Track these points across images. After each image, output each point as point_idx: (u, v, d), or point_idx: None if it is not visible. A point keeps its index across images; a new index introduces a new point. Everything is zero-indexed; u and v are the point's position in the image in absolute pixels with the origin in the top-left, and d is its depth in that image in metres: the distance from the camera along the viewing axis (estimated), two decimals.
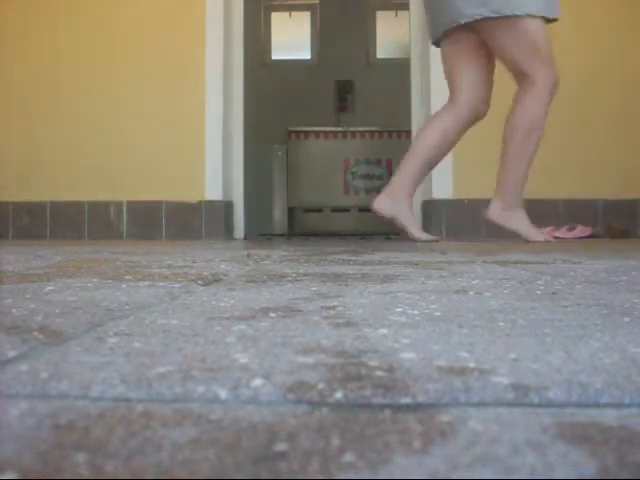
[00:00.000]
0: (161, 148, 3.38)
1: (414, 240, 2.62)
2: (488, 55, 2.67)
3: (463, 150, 3.28)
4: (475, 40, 2.64)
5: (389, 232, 4.34)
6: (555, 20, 2.60)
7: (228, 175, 3.46)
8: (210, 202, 3.34)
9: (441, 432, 0.26)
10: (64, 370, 0.35)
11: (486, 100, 2.71)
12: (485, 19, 2.52)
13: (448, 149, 2.71)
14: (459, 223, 3.30)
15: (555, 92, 2.61)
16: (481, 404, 0.30)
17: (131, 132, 3.39)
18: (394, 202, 2.65)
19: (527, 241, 2.55)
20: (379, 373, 0.34)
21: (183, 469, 0.22)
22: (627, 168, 3.31)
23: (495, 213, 2.62)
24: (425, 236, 2.68)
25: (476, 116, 2.70)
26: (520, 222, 2.60)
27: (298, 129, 5.54)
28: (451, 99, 2.71)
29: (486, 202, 3.30)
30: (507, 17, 2.50)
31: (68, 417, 0.28)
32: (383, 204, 2.66)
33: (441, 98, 3.37)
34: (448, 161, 3.29)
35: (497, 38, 2.58)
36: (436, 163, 2.74)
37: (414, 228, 2.67)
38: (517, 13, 2.48)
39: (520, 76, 2.62)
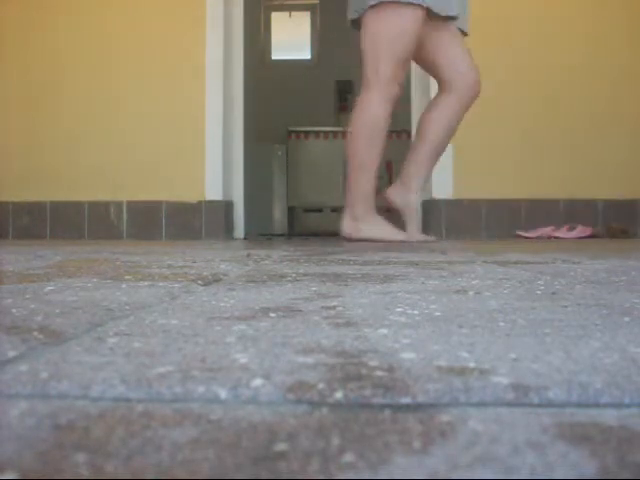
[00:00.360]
0: (161, 148, 3.38)
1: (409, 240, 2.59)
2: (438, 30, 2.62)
3: (463, 150, 3.29)
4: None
5: None
6: (453, 18, 2.55)
7: (228, 175, 3.46)
8: (210, 202, 3.34)
9: (441, 432, 0.26)
10: (64, 370, 0.35)
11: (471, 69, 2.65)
12: (381, 3, 2.48)
13: (454, 132, 2.68)
14: (459, 223, 3.30)
15: (396, 98, 2.56)
16: (481, 404, 0.30)
17: (131, 132, 3.39)
18: (405, 195, 2.62)
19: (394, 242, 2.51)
20: (379, 373, 0.34)
21: (183, 469, 0.22)
22: (627, 168, 3.31)
23: (349, 229, 2.56)
24: (422, 236, 2.66)
25: (474, 92, 2.65)
26: (378, 229, 2.54)
27: (298, 129, 5.54)
28: (441, 85, 2.67)
29: (486, 202, 3.31)
30: (396, 2, 2.45)
31: (68, 417, 0.28)
32: (394, 195, 2.63)
33: None
34: (448, 161, 3.29)
35: (377, 22, 2.53)
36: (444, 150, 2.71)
37: (413, 230, 2.65)
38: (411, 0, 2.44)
39: (368, 72, 2.58)
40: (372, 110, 2.52)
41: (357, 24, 2.67)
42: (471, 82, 2.60)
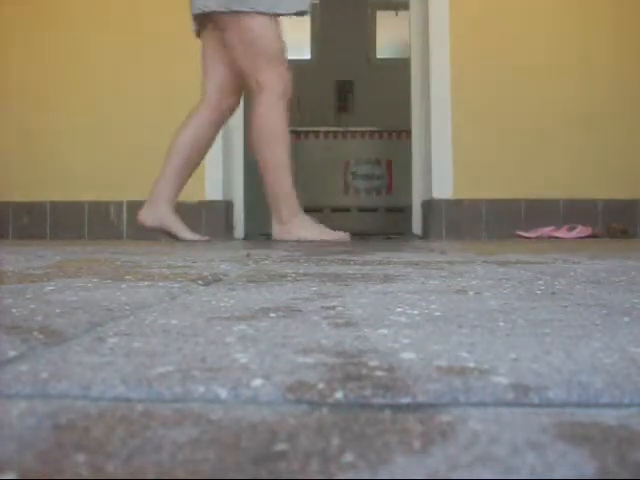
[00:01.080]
0: (162, 148, 3.38)
1: (185, 240, 2.61)
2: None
3: (463, 150, 3.29)
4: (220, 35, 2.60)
5: (389, 232, 4.34)
6: (303, 14, 2.58)
7: (228, 175, 3.46)
8: (210, 202, 3.34)
9: (441, 432, 0.26)
10: (64, 370, 0.35)
11: (234, 93, 2.66)
12: (218, 13, 2.48)
13: (206, 147, 2.68)
14: (459, 223, 3.30)
15: (286, 96, 2.54)
16: (481, 404, 0.30)
17: (132, 132, 3.39)
18: (156, 211, 2.63)
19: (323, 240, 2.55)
20: (379, 373, 0.34)
21: (183, 469, 0.22)
22: (627, 168, 3.31)
23: (279, 233, 2.59)
24: (196, 236, 2.67)
25: (227, 111, 2.67)
26: (307, 229, 2.56)
27: (298, 129, 5.54)
28: (203, 94, 2.68)
29: (486, 202, 3.31)
30: (236, 12, 2.46)
31: (68, 417, 0.28)
32: (145, 216, 2.64)
33: (441, 98, 3.38)
34: (448, 161, 3.29)
35: (228, 33, 2.53)
36: (197, 164, 2.70)
37: (183, 231, 2.66)
38: (243, 9, 2.44)
39: (249, 80, 2.55)
40: (264, 112, 2.52)
41: (202, 20, 2.63)
42: (227, 106, 2.66)
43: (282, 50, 2.56)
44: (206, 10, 2.49)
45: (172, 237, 2.68)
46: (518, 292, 0.73)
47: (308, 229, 2.57)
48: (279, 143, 2.53)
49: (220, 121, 2.69)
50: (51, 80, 3.43)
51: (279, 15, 2.54)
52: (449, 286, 0.79)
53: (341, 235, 2.64)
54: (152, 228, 2.66)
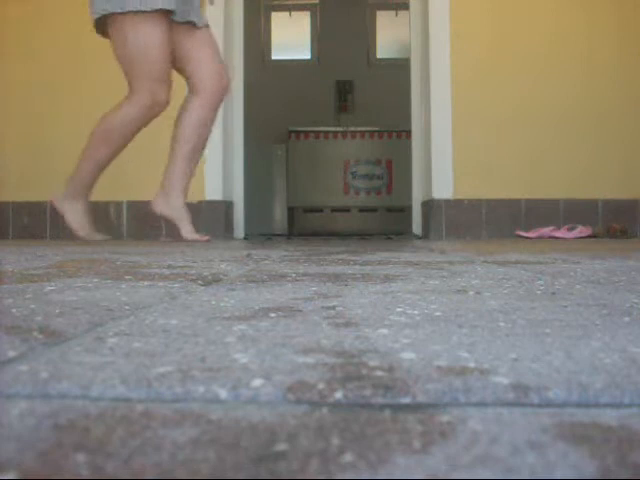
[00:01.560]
0: (161, 148, 3.38)
1: (185, 239, 2.63)
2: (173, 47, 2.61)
3: (463, 150, 3.29)
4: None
5: (389, 232, 4.34)
6: (193, 24, 2.53)
7: (228, 175, 3.46)
8: (210, 202, 3.33)
9: (441, 432, 0.26)
10: (64, 370, 0.35)
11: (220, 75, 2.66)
12: (114, 15, 2.43)
13: (207, 131, 2.70)
14: (459, 223, 3.30)
15: (151, 114, 2.54)
16: (481, 404, 0.30)
17: None
18: (169, 202, 2.66)
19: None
20: (379, 373, 0.34)
21: (183, 469, 0.22)
22: (627, 168, 3.31)
23: (59, 205, 2.74)
24: (196, 236, 2.67)
25: (219, 95, 2.66)
26: (70, 214, 2.71)
27: (298, 129, 5.54)
28: (189, 88, 2.68)
29: (486, 202, 3.31)
30: (129, 13, 2.41)
31: (68, 417, 0.28)
32: (156, 205, 2.67)
33: (441, 98, 3.38)
34: (448, 161, 3.29)
35: (115, 36, 2.48)
36: (202, 148, 2.71)
37: (187, 229, 2.67)
38: (142, 9, 2.39)
39: (127, 78, 2.53)
40: (120, 117, 2.55)
41: (99, 26, 2.59)
42: (215, 87, 2.63)
43: (160, 62, 2.51)
44: (104, 13, 2.45)
45: (176, 229, 2.69)
46: (518, 292, 0.72)
47: (71, 214, 2.74)
48: (110, 148, 2.60)
49: (213, 104, 2.67)
50: (51, 80, 3.43)
51: (158, 10, 2.43)
52: (449, 286, 0.79)
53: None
54: (162, 216, 2.70)
